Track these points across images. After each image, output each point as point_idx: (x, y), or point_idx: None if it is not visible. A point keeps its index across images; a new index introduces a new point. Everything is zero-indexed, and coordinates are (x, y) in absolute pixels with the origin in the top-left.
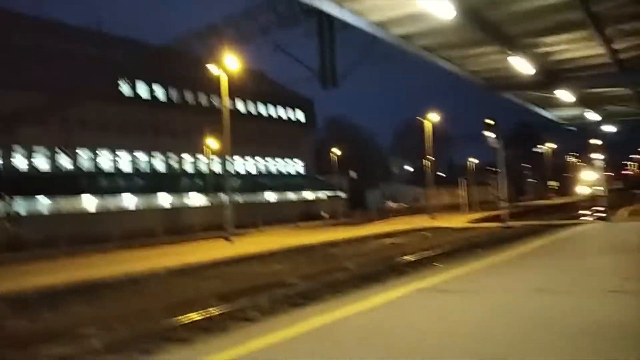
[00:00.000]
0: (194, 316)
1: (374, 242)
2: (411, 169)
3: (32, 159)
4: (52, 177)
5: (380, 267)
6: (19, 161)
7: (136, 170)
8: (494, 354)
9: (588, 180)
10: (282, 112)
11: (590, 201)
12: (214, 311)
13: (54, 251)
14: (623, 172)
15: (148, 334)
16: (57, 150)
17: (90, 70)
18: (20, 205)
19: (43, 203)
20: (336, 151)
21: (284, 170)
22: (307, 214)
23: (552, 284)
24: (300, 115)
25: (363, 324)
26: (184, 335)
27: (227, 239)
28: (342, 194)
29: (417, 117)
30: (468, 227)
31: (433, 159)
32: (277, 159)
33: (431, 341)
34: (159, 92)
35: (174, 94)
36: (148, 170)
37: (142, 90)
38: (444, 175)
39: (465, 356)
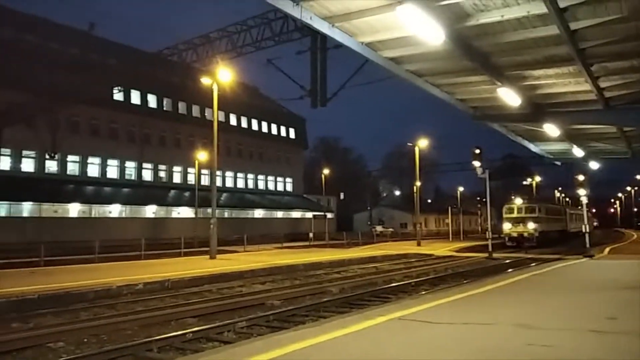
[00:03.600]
0: (169, 334)
1: (358, 265)
2: (399, 193)
3: (19, 162)
4: (37, 181)
5: (362, 291)
6: (4, 163)
7: (124, 180)
8: None
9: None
10: (274, 129)
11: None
12: (189, 329)
13: (35, 258)
14: (608, 209)
15: (114, 350)
16: (46, 153)
17: (83, 74)
18: (2, 208)
19: (25, 208)
20: (325, 171)
21: (272, 188)
22: (293, 233)
23: (534, 320)
24: (292, 133)
25: (337, 352)
26: (159, 356)
27: (210, 255)
28: (330, 215)
29: (408, 143)
30: (453, 255)
31: (420, 184)
32: (268, 176)
33: None
34: (152, 101)
35: (167, 103)
36: (136, 180)
37: (136, 97)
38: (430, 201)
39: None
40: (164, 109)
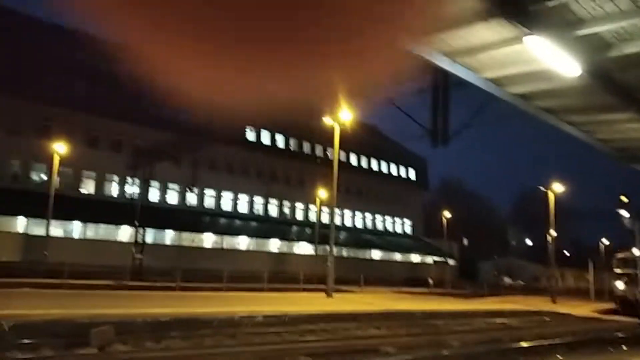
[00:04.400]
0: None
1: (482, 319)
2: (530, 243)
3: (164, 193)
4: (178, 212)
5: (486, 348)
6: (153, 194)
7: (252, 214)
8: None
9: None
10: (394, 169)
11: None
12: None
13: (171, 283)
14: None
15: None
16: (187, 187)
17: (221, 116)
18: (149, 235)
19: (167, 235)
20: (447, 214)
21: (391, 229)
22: (412, 278)
23: None
24: (412, 174)
25: None
26: None
27: (327, 293)
28: (452, 261)
29: (539, 187)
30: (595, 317)
31: (556, 234)
32: (386, 216)
33: None
34: (280, 141)
35: (293, 143)
36: (263, 215)
37: (265, 137)
38: (569, 254)
39: None
40: (290, 148)
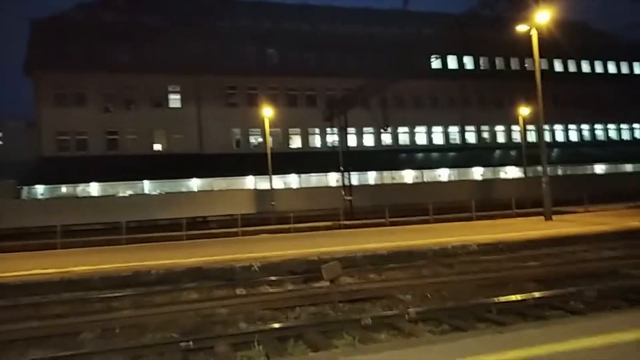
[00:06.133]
0: (510, 298)
1: None
2: None
3: (360, 138)
4: (376, 153)
5: None
6: (351, 140)
7: (449, 144)
8: None
9: None
10: (612, 68)
11: None
12: (529, 296)
13: (381, 219)
14: None
15: (458, 308)
16: (381, 129)
17: (403, 51)
18: (354, 178)
19: (369, 176)
20: None
21: (616, 137)
22: None
23: None
24: (636, 68)
25: None
26: (496, 317)
27: (545, 216)
28: None
29: None
30: None
31: None
32: (609, 124)
33: None
34: (469, 63)
35: (483, 62)
36: (460, 143)
37: (452, 63)
38: None
39: None
40: (481, 68)
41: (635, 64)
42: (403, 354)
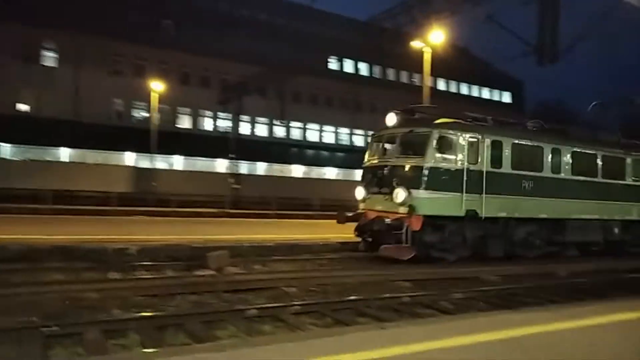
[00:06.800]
0: (386, 295)
1: None
2: None
3: (254, 127)
4: (268, 144)
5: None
6: (244, 127)
7: (339, 144)
8: None
9: None
10: (486, 94)
11: None
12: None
13: (268, 211)
14: None
15: (339, 302)
16: (275, 121)
17: (304, 47)
18: (242, 167)
19: (259, 167)
20: None
21: None
22: None
23: None
24: (506, 97)
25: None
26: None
27: None
28: None
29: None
30: None
31: None
32: None
33: None
34: (363, 69)
35: (376, 70)
36: (349, 145)
37: (348, 66)
38: None
39: None
40: (374, 76)
41: (505, 93)
42: (291, 347)
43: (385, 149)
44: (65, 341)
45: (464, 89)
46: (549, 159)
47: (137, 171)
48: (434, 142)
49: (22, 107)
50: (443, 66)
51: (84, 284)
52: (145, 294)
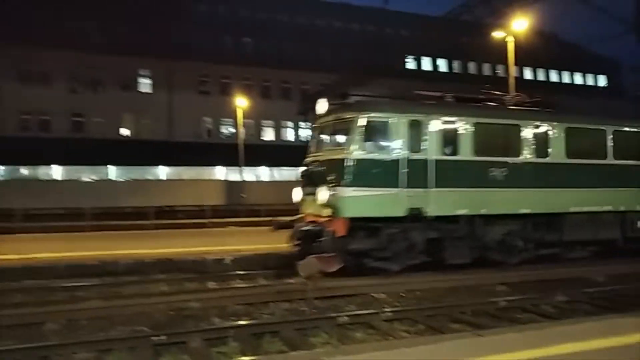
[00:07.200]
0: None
1: None
2: None
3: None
4: None
5: None
6: None
7: None
8: None
9: None
10: (579, 79)
11: None
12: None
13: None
14: None
15: (429, 308)
16: None
17: (380, 49)
18: None
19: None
20: None
21: None
22: None
23: None
24: (601, 81)
25: None
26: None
27: None
28: None
29: None
30: None
31: None
32: None
33: None
34: (443, 65)
35: (456, 65)
36: None
37: (426, 64)
38: None
39: None
40: (454, 71)
41: (600, 77)
42: (384, 355)
43: (320, 142)
44: (172, 349)
45: (554, 76)
46: (531, 140)
47: (228, 184)
48: (360, 128)
49: (124, 131)
50: (529, 55)
51: (186, 294)
52: (241, 303)
